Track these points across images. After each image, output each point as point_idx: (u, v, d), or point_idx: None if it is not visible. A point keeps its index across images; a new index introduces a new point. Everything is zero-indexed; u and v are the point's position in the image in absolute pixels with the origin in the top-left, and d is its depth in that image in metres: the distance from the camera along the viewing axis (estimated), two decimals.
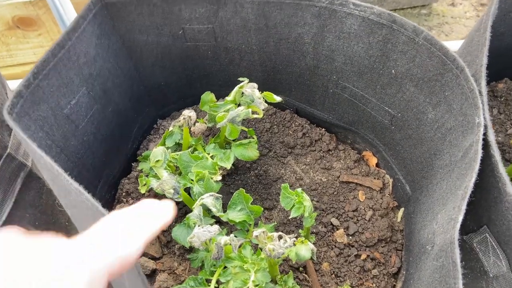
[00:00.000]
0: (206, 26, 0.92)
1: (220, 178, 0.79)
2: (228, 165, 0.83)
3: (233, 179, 1.07)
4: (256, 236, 0.67)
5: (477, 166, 0.60)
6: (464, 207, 0.57)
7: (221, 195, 0.75)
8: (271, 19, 0.87)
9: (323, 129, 1.14)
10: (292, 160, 1.11)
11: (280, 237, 0.67)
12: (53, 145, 0.76)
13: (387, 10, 0.75)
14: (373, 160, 1.11)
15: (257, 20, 0.88)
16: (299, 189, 0.80)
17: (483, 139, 0.63)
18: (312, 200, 1.05)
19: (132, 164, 1.06)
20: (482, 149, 0.62)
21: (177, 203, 1.01)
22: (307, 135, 1.13)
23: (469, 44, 0.81)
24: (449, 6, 1.91)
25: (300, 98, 1.11)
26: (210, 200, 0.70)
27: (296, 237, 0.73)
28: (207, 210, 0.82)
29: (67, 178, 0.58)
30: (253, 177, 1.08)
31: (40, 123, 0.72)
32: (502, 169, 0.61)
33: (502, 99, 1.11)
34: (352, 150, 1.13)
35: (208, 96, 0.95)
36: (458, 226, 0.55)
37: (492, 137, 0.63)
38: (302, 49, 0.94)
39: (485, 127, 0.64)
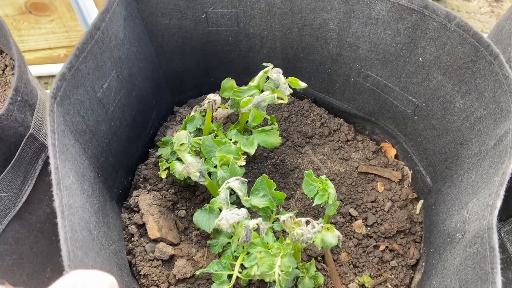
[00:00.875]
0: (230, 10, 0.90)
1: (244, 163, 0.78)
2: (252, 151, 0.82)
3: (250, 167, 1.06)
4: (284, 221, 0.66)
5: None
6: (502, 192, 0.56)
7: (246, 180, 0.74)
8: (297, 3, 0.86)
9: (341, 119, 1.13)
10: (309, 149, 1.10)
11: (308, 222, 0.66)
12: (87, 130, 0.75)
13: None
14: (392, 152, 1.10)
15: (283, 5, 0.87)
16: (323, 176, 0.79)
17: None
18: None
19: (149, 150, 1.05)
20: None
21: (195, 189, 1.00)
22: (325, 125, 1.12)
23: (499, 32, 0.80)
24: (464, 1, 1.90)
25: (320, 88, 1.10)
26: (236, 184, 0.69)
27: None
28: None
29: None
30: (270, 166, 1.07)
31: (77, 107, 0.70)
32: None
33: None
34: (371, 141, 1.11)
35: (228, 83, 0.94)
36: (496, 212, 0.54)
37: None
38: (326, 35, 0.93)
39: None
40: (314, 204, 0.79)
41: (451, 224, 0.75)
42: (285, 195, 0.80)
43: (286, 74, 1.09)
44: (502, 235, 0.71)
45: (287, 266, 0.67)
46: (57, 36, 1.63)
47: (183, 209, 0.97)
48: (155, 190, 0.97)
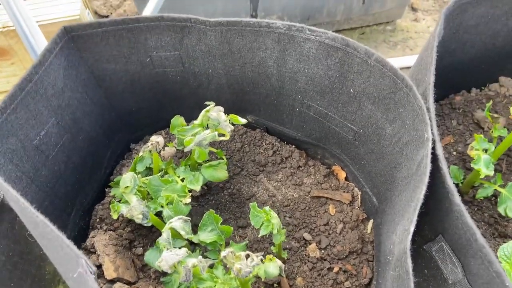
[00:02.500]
0: (173, 53, 0.95)
1: (189, 200, 0.81)
2: (198, 187, 0.85)
3: (207, 199, 1.09)
4: (224, 256, 0.69)
5: (426, 179, 0.64)
6: (415, 218, 0.60)
7: (189, 218, 0.77)
8: (234, 44, 0.91)
9: (293, 146, 1.18)
10: (264, 177, 1.14)
11: (247, 256, 0.69)
12: (23, 176, 0.77)
13: (340, 35, 0.80)
14: (342, 174, 1.15)
15: (221, 46, 0.92)
16: (267, 208, 0.83)
17: (432, 153, 0.67)
18: (284, 216, 1.08)
19: (106, 189, 1.07)
20: (432, 162, 0.67)
21: (151, 225, 1.02)
22: (277, 152, 1.16)
23: (419, 62, 0.87)
24: (413, 22, 2.00)
25: (270, 117, 1.15)
26: (178, 223, 0.72)
27: (264, 255, 0.76)
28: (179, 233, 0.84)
29: (33, 211, 0.60)
30: (226, 197, 1.10)
31: (9, 156, 0.73)
32: (450, 181, 0.65)
33: (460, 111, 1.17)
34: (322, 165, 1.16)
35: (177, 120, 0.98)
36: (409, 237, 0.59)
37: (440, 151, 0.68)
38: (266, 71, 0.98)
39: (433, 141, 0.68)
40: (259, 235, 0.82)
41: (388, 245, 0.80)
42: (232, 229, 0.83)
43: (236, 106, 1.14)
44: (434, 253, 0.75)
45: None
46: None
47: (140, 247, 0.99)
48: (111, 230, 0.99)
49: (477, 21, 0.95)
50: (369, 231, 1.06)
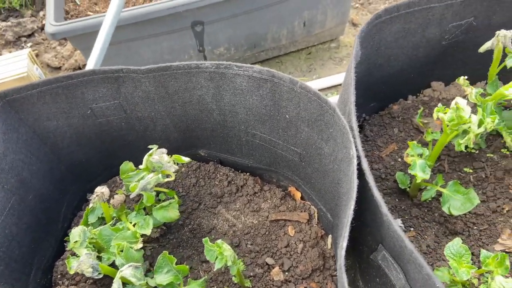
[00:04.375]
0: (113, 102, 0.97)
1: (140, 246, 0.82)
2: (148, 231, 0.86)
3: (168, 239, 1.10)
4: None
5: (354, 195, 0.67)
6: (347, 234, 0.64)
7: (140, 264, 0.78)
8: (170, 87, 0.95)
9: (248, 173, 1.21)
10: (222, 209, 1.16)
11: None
12: None
13: (265, 68, 0.85)
14: (298, 194, 1.18)
15: (158, 90, 0.95)
16: (219, 241, 0.85)
17: (359, 169, 0.72)
18: (246, 244, 1.09)
19: (65, 244, 1.07)
20: (361, 177, 0.71)
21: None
22: (232, 182, 1.19)
23: (344, 83, 0.92)
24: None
25: (220, 149, 1.18)
26: (129, 271, 0.73)
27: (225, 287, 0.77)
28: None
29: None
30: (187, 233, 1.11)
31: None
32: (377, 193, 0.69)
33: (400, 119, 1.23)
34: (278, 189, 1.19)
35: (127, 166, 0.99)
36: (343, 252, 0.62)
37: (365, 165, 0.72)
38: (207, 107, 1.02)
39: (358, 157, 0.72)
40: (215, 269, 0.83)
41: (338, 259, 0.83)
42: (188, 268, 0.84)
43: (186, 143, 1.17)
44: (380, 262, 0.79)
45: None
46: None
47: None
48: (72, 285, 0.98)
49: (395, 36, 1.02)
50: (329, 246, 1.09)
